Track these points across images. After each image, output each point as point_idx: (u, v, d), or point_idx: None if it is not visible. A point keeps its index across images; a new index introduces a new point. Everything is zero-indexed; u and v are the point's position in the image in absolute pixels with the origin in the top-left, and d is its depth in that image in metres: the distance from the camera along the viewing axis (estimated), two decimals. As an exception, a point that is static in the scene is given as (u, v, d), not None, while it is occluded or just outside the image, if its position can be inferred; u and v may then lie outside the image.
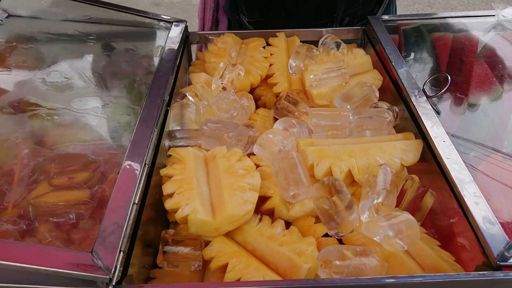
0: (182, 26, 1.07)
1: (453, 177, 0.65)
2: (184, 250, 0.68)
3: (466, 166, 0.67)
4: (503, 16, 1.03)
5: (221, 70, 0.90)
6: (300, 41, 1.10)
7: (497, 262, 0.54)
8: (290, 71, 1.02)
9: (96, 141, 0.75)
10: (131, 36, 1.09)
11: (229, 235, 0.68)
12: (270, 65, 1.03)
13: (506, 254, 0.55)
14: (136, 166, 0.67)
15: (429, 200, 0.71)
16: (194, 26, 1.47)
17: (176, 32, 1.04)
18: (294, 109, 0.89)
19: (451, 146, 0.70)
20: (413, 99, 0.80)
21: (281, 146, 0.74)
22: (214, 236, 0.66)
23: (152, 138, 0.73)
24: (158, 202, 0.70)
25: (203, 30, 1.32)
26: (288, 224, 0.71)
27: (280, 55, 1.05)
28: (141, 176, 0.65)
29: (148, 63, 0.97)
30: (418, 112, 0.77)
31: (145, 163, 0.68)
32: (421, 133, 0.76)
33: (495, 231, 0.57)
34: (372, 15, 1.18)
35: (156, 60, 0.94)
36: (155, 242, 0.69)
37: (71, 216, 0.62)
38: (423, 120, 0.75)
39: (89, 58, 1.01)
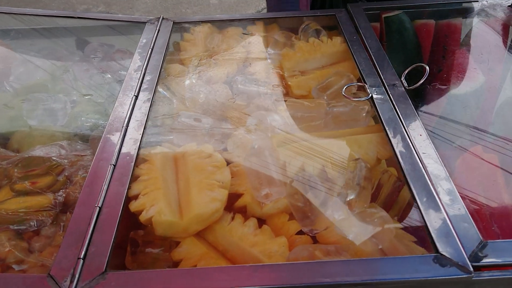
0: (156, 24, 1.03)
1: (428, 172, 0.63)
2: (153, 251, 0.66)
3: (443, 160, 0.65)
4: (486, 1, 1.00)
5: (195, 62, 0.87)
6: (280, 29, 1.07)
7: (470, 263, 0.52)
8: (268, 61, 0.99)
9: (64, 142, 0.72)
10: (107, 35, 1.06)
11: (201, 234, 0.66)
12: (248, 54, 1.00)
13: (479, 254, 0.53)
14: (104, 168, 0.65)
15: (406, 194, 0.69)
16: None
17: (150, 29, 1.01)
18: (254, 88, 0.87)
19: (428, 140, 0.68)
20: (391, 91, 0.78)
21: (254, 143, 0.72)
22: (184, 237, 0.64)
23: (121, 138, 0.70)
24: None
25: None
26: (261, 222, 0.69)
27: (258, 44, 1.02)
28: (109, 178, 0.63)
29: (122, 61, 0.94)
30: (395, 104, 0.75)
31: (112, 165, 0.65)
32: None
33: (469, 229, 0.56)
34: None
35: (129, 59, 0.91)
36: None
37: (32, 223, 0.59)
38: (399, 112, 0.73)
39: (60, 54, 0.97)
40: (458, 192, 0.60)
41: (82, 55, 1.01)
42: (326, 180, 0.72)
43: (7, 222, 0.60)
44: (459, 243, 0.54)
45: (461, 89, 0.88)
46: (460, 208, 0.58)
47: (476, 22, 1.01)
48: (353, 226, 0.62)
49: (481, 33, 0.98)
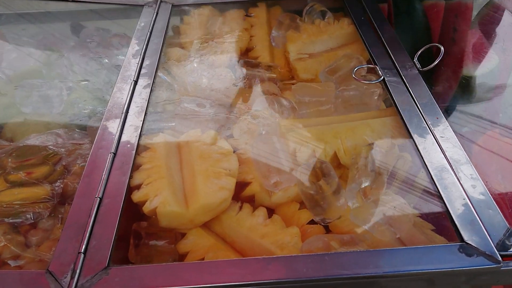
0: (154, 7, 0.98)
1: (448, 157, 0.60)
2: (157, 243, 0.62)
3: (462, 144, 0.61)
4: (499, -21, 0.96)
5: (196, 46, 0.83)
6: (283, 11, 1.03)
7: (498, 252, 0.49)
8: (273, 44, 0.95)
9: (60, 130, 0.68)
10: (104, 19, 1.02)
11: (207, 225, 0.63)
12: (251, 37, 0.96)
13: (507, 242, 0.50)
14: (104, 156, 0.61)
15: (423, 180, 0.66)
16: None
17: (148, 12, 0.96)
18: (258, 72, 0.83)
19: (446, 123, 0.64)
20: (403, 72, 0.74)
21: (261, 129, 0.68)
22: (190, 228, 0.61)
23: (120, 125, 0.66)
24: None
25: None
26: (270, 211, 0.66)
27: (261, 27, 0.98)
28: (109, 167, 0.60)
29: (119, 46, 0.89)
30: (408, 86, 0.71)
31: (112, 153, 0.61)
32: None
33: (495, 216, 0.52)
34: None
35: (127, 43, 0.86)
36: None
37: (28, 216, 0.56)
38: (413, 95, 0.69)
39: (55, 39, 0.93)
40: (481, 177, 0.57)
41: (78, 40, 0.96)
42: (338, 167, 0.69)
43: (2, 215, 0.56)
44: (485, 231, 0.51)
45: (475, 70, 0.84)
46: (483, 194, 0.55)
47: (488, 0, 0.96)
48: (369, 214, 0.59)
49: (493, 12, 0.94)
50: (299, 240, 0.58)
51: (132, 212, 0.64)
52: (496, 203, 0.54)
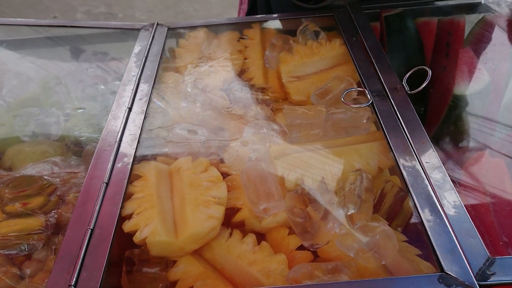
0: (150, 30, 1.01)
1: (432, 183, 0.61)
2: (149, 270, 0.64)
3: (447, 170, 0.62)
4: (490, -3, 0.97)
5: (190, 70, 0.85)
6: (278, 31, 1.04)
7: (477, 282, 0.50)
8: (266, 65, 0.96)
9: (56, 158, 0.70)
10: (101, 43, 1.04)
11: (198, 252, 0.64)
12: (245, 59, 0.97)
13: (487, 271, 0.50)
14: (96, 186, 0.63)
15: (410, 205, 0.67)
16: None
17: (144, 36, 0.98)
18: (252, 95, 0.85)
19: (431, 149, 0.65)
20: (392, 95, 0.75)
21: (251, 155, 0.69)
22: (180, 255, 0.62)
23: (114, 153, 0.68)
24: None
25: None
26: (260, 236, 0.67)
27: (256, 48, 0.99)
28: (101, 198, 0.61)
29: (116, 70, 0.92)
30: (396, 110, 0.72)
31: (105, 183, 0.63)
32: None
33: (476, 244, 0.53)
34: None
35: (124, 68, 0.88)
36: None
37: (23, 247, 0.58)
38: (400, 119, 0.70)
39: (54, 64, 0.95)
40: (464, 204, 0.58)
41: (76, 64, 0.99)
42: (326, 193, 0.70)
43: (-2, 247, 0.58)
44: (465, 260, 0.52)
45: (465, 91, 0.85)
46: (466, 222, 0.56)
47: (480, 18, 0.97)
48: (354, 241, 0.60)
49: (486, 30, 0.94)
50: (286, 268, 0.60)
51: (125, 240, 0.65)
52: (478, 231, 0.55)
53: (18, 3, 3.87)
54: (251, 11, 1.31)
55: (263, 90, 0.89)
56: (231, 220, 0.68)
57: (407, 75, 0.77)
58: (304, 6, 1.07)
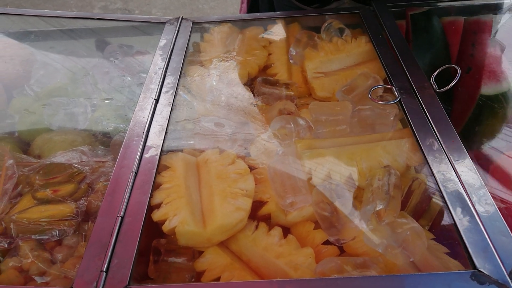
0: (175, 24, 1.01)
1: (462, 181, 0.60)
2: (176, 260, 0.64)
3: (477, 168, 0.62)
4: (519, -3, 0.96)
5: (215, 64, 0.85)
6: (302, 28, 1.04)
7: (510, 280, 0.49)
8: (291, 61, 0.96)
9: (85, 148, 0.71)
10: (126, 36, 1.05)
11: (224, 243, 0.64)
12: (269, 54, 0.98)
13: (520, 270, 0.50)
14: (125, 175, 0.64)
15: (437, 203, 0.66)
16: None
17: (169, 30, 0.99)
18: (276, 90, 0.85)
19: (461, 146, 0.65)
20: (420, 93, 0.75)
21: (278, 149, 0.70)
22: (207, 246, 0.62)
23: (142, 144, 0.69)
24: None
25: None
26: (286, 230, 0.67)
27: (280, 44, 0.99)
28: (131, 186, 0.62)
29: (142, 63, 0.92)
30: (424, 108, 0.72)
31: (134, 172, 0.64)
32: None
33: (508, 243, 0.53)
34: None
35: (149, 60, 0.89)
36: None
37: (54, 233, 0.59)
38: (429, 117, 0.70)
39: (80, 56, 0.96)
40: (495, 202, 0.57)
41: (102, 56, 1.00)
42: (353, 188, 0.70)
43: (29, 231, 0.59)
44: (498, 258, 0.51)
45: (492, 90, 0.84)
46: (497, 220, 0.55)
47: (507, 18, 0.96)
48: (382, 237, 0.59)
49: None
50: (313, 261, 0.60)
51: (152, 230, 0.66)
52: (510, 229, 0.54)
53: (36, -2, 3.91)
54: (251, 10, 1.32)
55: (287, 85, 0.89)
56: (257, 213, 0.68)
57: (436, 73, 0.77)
58: (305, 8, 1.08)
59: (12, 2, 3.77)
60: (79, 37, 1.07)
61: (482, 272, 0.50)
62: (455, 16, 1.00)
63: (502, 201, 0.60)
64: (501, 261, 0.51)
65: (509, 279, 0.49)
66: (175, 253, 0.64)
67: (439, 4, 1.02)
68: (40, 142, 0.76)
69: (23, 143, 0.78)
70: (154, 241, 0.64)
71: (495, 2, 1.01)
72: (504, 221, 0.55)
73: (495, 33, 0.96)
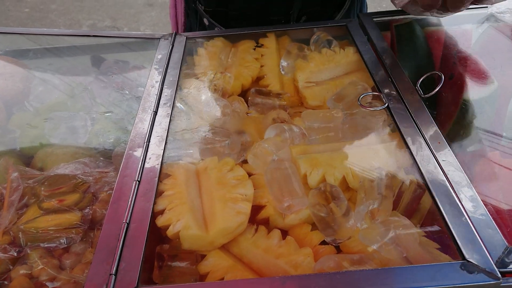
0: (170, 39, 1.05)
1: (450, 180, 0.64)
2: (180, 264, 0.67)
3: (462, 167, 0.66)
4: (496, 7, 1.01)
5: (210, 77, 0.89)
6: (291, 41, 1.09)
7: (497, 269, 0.53)
8: (282, 72, 1.00)
9: (86, 159, 0.74)
10: (121, 52, 1.08)
11: (226, 247, 0.67)
12: (262, 66, 1.01)
13: (506, 259, 0.53)
14: (129, 184, 0.66)
15: (427, 202, 0.70)
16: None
17: (164, 45, 1.02)
18: (269, 100, 0.88)
19: (447, 148, 0.68)
20: (406, 99, 0.79)
21: (274, 156, 0.73)
22: (209, 250, 0.65)
23: (143, 154, 0.71)
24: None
25: (177, 27, 1.33)
26: (284, 233, 0.70)
27: (271, 56, 1.03)
28: (134, 194, 0.65)
29: (138, 77, 0.95)
30: (411, 113, 0.76)
31: (137, 181, 0.67)
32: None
33: (494, 235, 0.56)
34: (331, 19, 1.17)
35: (146, 75, 0.92)
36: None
37: (62, 240, 0.61)
38: (416, 120, 0.74)
39: (77, 72, 0.99)
40: (480, 199, 0.61)
41: (98, 72, 1.02)
42: (347, 190, 0.73)
43: (38, 240, 0.61)
44: (485, 249, 0.55)
45: (475, 95, 0.89)
46: (483, 214, 0.59)
47: (486, 27, 1.02)
48: (376, 234, 0.63)
49: (492, 38, 0.99)
50: (312, 260, 0.62)
51: (156, 235, 0.68)
52: (495, 222, 0.58)
53: (24, 18, 3.94)
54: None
55: (279, 95, 0.93)
56: (256, 217, 0.71)
57: (421, 79, 0.81)
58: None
59: (0, 22, 3.79)
60: (74, 54, 1.09)
61: (471, 262, 0.53)
62: (436, 26, 1.05)
63: (487, 196, 0.64)
64: (487, 251, 0.54)
65: (495, 268, 0.52)
66: (178, 258, 0.67)
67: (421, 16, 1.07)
68: (43, 155, 0.78)
69: (25, 157, 0.80)
70: (158, 247, 0.67)
71: (476, 12, 1.06)
72: (489, 215, 0.59)
73: (475, 41, 1.01)
